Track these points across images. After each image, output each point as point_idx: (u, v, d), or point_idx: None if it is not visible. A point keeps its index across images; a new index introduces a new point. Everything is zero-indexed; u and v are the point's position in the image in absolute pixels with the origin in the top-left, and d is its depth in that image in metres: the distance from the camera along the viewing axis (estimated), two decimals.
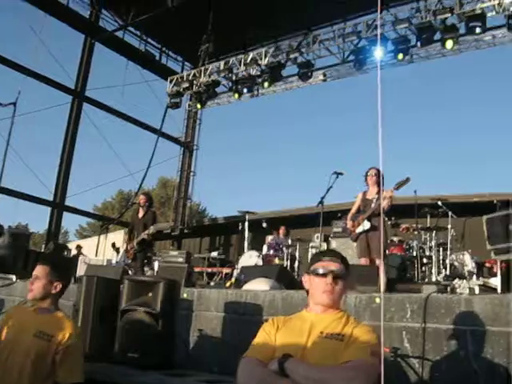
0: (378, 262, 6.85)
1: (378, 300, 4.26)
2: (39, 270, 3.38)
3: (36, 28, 15.56)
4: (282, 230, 11.87)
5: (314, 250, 11.28)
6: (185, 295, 5.92)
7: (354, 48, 13.63)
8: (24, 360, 3.12)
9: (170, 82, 16.35)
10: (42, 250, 14.87)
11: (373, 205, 7.10)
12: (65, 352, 3.20)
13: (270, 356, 2.48)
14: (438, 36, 12.17)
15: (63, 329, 3.25)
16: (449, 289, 5.48)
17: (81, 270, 9.58)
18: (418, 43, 12.37)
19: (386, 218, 7.54)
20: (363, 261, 7.13)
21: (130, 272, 9.13)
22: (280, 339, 2.56)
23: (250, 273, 7.34)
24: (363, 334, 2.44)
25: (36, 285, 3.35)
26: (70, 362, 3.21)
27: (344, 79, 15.38)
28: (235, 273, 10.29)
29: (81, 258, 11.62)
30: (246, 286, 6.35)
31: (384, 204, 6.93)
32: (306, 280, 2.69)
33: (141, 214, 9.57)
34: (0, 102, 13.18)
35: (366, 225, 7.10)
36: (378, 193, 7.11)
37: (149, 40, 18.75)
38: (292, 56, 14.11)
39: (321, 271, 2.60)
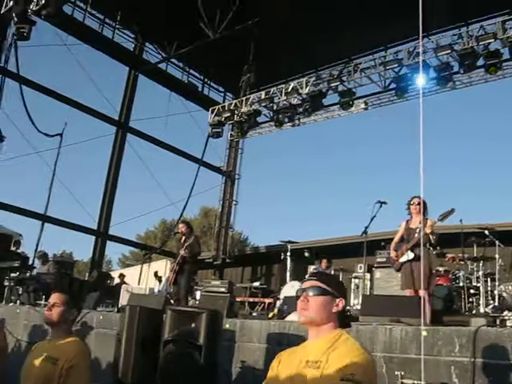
0: (421, 292, 6.70)
1: (425, 333, 4.14)
2: (58, 298, 3.57)
3: (82, 61, 16.04)
4: (323, 262, 11.72)
5: (357, 281, 11.11)
6: (227, 326, 5.89)
7: (395, 75, 13.56)
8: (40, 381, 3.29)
9: (212, 112, 16.54)
10: (86, 278, 15.09)
11: (416, 234, 6.96)
12: (68, 373, 3.31)
13: None
14: (480, 62, 12.03)
15: (68, 351, 3.38)
16: (498, 321, 5.31)
17: (123, 299, 9.63)
18: (461, 70, 12.25)
19: (431, 248, 7.37)
20: (408, 292, 6.98)
21: (172, 301, 9.13)
22: (279, 373, 2.52)
23: (293, 303, 7.24)
24: (339, 358, 2.28)
25: (54, 310, 3.53)
26: (77, 379, 3.32)
27: (385, 107, 15.30)
28: (278, 303, 10.18)
29: (124, 286, 11.70)
30: (289, 317, 6.28)
31: (430, 237, 6.79)
32: None
33: (183, 242, 9.62)
34: (47, 133, 13.55)
35: (410, 255, 6.96)
36: (422, 222, 6.98)
37: (191, 71, 19.11)
38: (333, 84, 14.11)
39: (298, 293, 2.57)
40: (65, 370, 3.30)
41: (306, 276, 2.67)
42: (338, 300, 2.52)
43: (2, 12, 12.39)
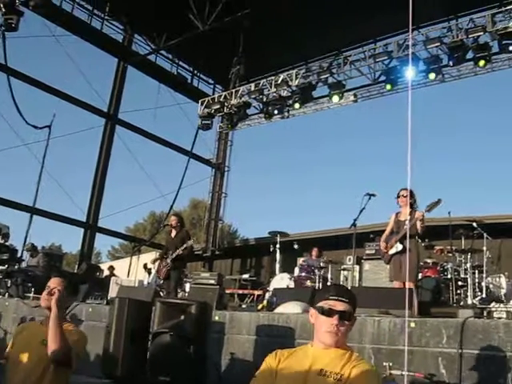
0: (407, 284, 6.74)
1: (413, 324, 4.17)
2: (58, 282, 3.50)
3: (70, 52, 15.92)
4: (314, 252, 11.75)
5: (345, 273, 11.15)
6: (217, 318, 5.90)
7: (384, 68, 13.58)
8: (32, 366, 3.26)
9: (202, 104, 16.48)
10: (75, 271, 15.06)
11: (405, 226, 7.00)
12: None
13: None
14: (470, 55, 12.06)
15: (68, 337, 3.31)
16: (485, 313, 5.35)
17: (113, 291, 9.62)
18: (450, 62, 12.27)
19: (420, 240, 7.41)
20: (396, 284, 7.02)
21: (161, 293, 9.13)
22: (280, 373, 2.50)
23: (282, 295, 7.29)
24: (361, 376, 2.35)
25: (56, 295, 3.44)
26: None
27: (375, 99, 15.33)
28: (267, 295, 10.21)
29: (113, 278, 11.68)
30: (279, 309, 6.30)
31: (418, 226, 6.84)
32: (312, 314, 2.59)
33: (173, 235, 9.61)
34: (35, 125, 13.45)
35: (399, 247, 7.00)
36: (411, 214, 7.02)
37: (180, 63, 19.01)
38: (323, 77, 14.11)
39: (327, 311, 2.51)
40: None
41: (331, 294, 2.55)
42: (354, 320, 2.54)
43: None
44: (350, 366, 2.40)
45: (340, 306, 2.50)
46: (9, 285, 9.70)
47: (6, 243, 12.34)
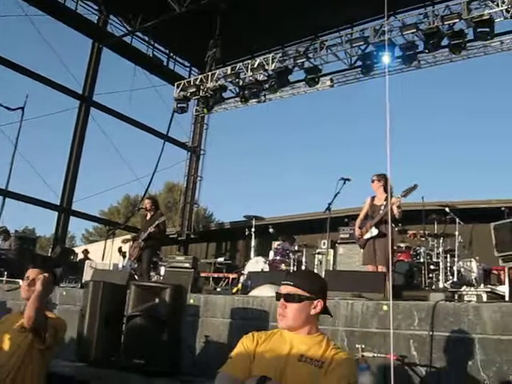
0: (380, 268, 6.82)
1: (385, 308, 4.23)
2: (36, 273, 3.55)
3: (44, 33, 15.64)
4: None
5: (320, 256, 11.25)
6: (191, 301, 5.92)
7: (361, 53, 13.60)
8: (11, 352, 3.33)
9: (177, 87, 16.37)
10: (49, 254, 14.92)
11: (381, 211, 7.07)
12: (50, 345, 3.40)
13: (247, 372, 2.47)
14: (445, 42, 12.14)
15: (51, 324, 3.40)
16: (456, 296, 5.45)
17: (87, 275, 9.58)
18: (426, 49, 12.34)
19: (394, 225, 7.50)
20: (370, 267, 7.11)
21: (136, 277, 9.11)
22: (258, 356, 2.53)
23: (257, 279, 7.33)
24: (342, 364, 2.41)
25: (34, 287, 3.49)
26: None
27: (351, 85, 15.38)
28: (242, 278, 10.26)
29: (87, 262, 11.62)
30: (253, 292, 6.33)
31: (395, 212, 6.91)
32: None
33: (148, 218, 9.59)
34: (8, 107, 13.19)
35: (374, 231, 7.08)
36: (386, 199, 7.09)
37: (156, 45, 18.78)
38: (299, 61, 14.08)
39: (276, 296, 2.62)
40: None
41: (282, 281, 2.65)
42: (316, 302, 2.55)
43: None
44: (331, 353, 2.45)
45: (284, 289, 2.58)
46: None
47: None
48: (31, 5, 14.89)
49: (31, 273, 3.56)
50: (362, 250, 7.58)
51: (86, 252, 15.00)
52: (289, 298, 2.54)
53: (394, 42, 12.67)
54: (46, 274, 3.47)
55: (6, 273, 9.46)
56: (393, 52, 12.72)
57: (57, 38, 28.79)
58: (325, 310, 2.63)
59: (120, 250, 11.76)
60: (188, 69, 20.19)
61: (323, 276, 5.61)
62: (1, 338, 3.39)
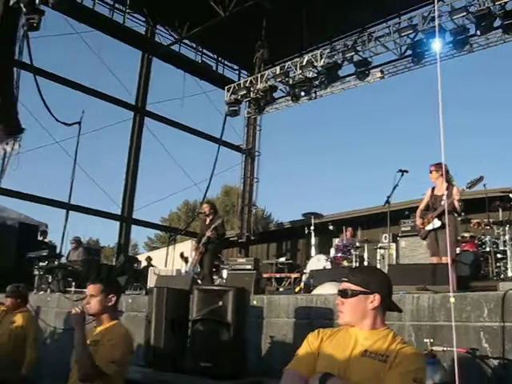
0: (444, 259, 6.66)
1: (452, 299, 4.12)
2: (93, 289, 3.62)
3: (94, 48, 16.04)
4: (349, 232, 11.71)
5: (382, 251, 11.08)
6: (254, 302, 5.92)
7: (410, 42, 13.35)
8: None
9: (228, 90, 16.49)
10: (114, 263, 15.28)
11: (442, 202, 6.90)
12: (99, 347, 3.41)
13: (312, 369, 2.45)
14: (498, 23, 11.78)
15: (109, 333, 3.48)
16: None
17: (151, 281, 9.74)
18: (478, 32, 12.00)
19: (456, 214, 7.30)
20: (435, 259, 6.95)
21: (199, 281, 9.21)
22: (323, 353, 2.51)
23: (319, 277, 7.29)
24: (407, 358, 2.35)
25: (92, 302, 3.58)
26: (106, 352, 3.38)
27: (402, 75, 15.12)
28: (304, 277, 10.22)
29: (151, 269, 11.83)
30: (316, 291, 6.30)
31: (456, 205, 6.74)
32: None
33: (208, 222, 9.68)
34: (65, 122, 13.62)
35: (436, 223, 6.93)
36: (448, 189, 6.92)
37: (204, 51, 18.99)
38: (348, 55, 13.95)
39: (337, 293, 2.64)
40: (99, 346, 3.40)
41: (342, 278, 2.67)
42: (372, 296, 2.51)
43: (10, 4, 12.40)
44: (396, 347, 2.40)
45: (341, 286, 2.60)
46: (50, 280, 9.90)
47: (45, 240, 12.60)
48: (80, 22, 15.31)
49: (89, 289, 3.64)
50: (424, 242, 7.42)
51: (149, 259, 15.27)
52: (343, 293, 2.55)
53: (444, 28, 12.38)
54: (77, 310, 3.48)
55: (73, 283, 9.75)
56: (443, 38, 12.42)
57: (107, 51, 29.48)
58: (390, 305, 2.59)
59: (182, 255, 11.92)
60: (237, 72, 20.31)
61: (386, 271, 5.52)
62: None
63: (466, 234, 9.80)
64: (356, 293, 2.51)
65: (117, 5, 16.53)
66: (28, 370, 5.21)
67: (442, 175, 7.06)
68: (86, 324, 3.52)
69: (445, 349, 4.09)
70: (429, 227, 7.05)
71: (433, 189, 7.30)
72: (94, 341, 3.44)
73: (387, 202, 7.41)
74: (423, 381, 2.29)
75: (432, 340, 4.17)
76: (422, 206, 7.38)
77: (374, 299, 2.50)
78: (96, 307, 3.56)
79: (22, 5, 11.94)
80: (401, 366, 2.31)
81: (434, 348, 4.10)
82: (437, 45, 12.45)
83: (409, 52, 13.83)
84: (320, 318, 5.20)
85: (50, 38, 13.89)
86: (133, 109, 17.50)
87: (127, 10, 16.71)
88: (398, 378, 2.28)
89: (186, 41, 18.12)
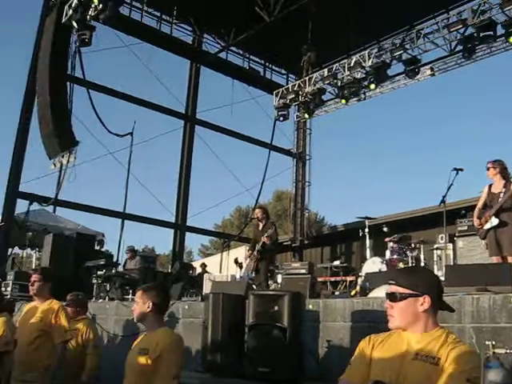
0: (510, 259, 6.47)
1: None
2: (140, 294, 3.68)
3: (144, 60, 16.37)
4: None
5: (439, 252, 10.85)
6: (310, 306, 5.89)
7: (460, 37, 13.06)
8: (133, 378, 3.50)
9: (276, 95, 16.53)
10: (169, 271, 15.49)
11: (500, 199, 6.72)
12: (156, 362, 3.41)
13: (366, 377, 2.42)
14: None
15: (157, 341, 3.48)
16: None
17: (207, 287, 9.80)
18: None
19: None
20: (495, 259, 6.76)
21: (254, 286, 9.23)
22: (375, 360, 2.47)
23: (375, 279, 7.19)
24: (459, 358, 2.26)
25: (135, 308, 3.66)
26: (163, 371, 3.40)
27: (453, 71, 14.81)
28: (359, 280, 10.10)
29: (206, 275, 11.91)
30: (372, 294, 6.22)
31: None
32: None
33: (260, 228, 9.71)
34: (118, 134, 13.92)
35: (494, 221, 6.73)
36: (505, 186, 6.73)
37: (251, 57, 19.10)
38: (396, 54, 13.77)
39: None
40: (154, 358, 3.39)
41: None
42: (421, 298, 2.43)
43: (63, 21, 12.79)
44: (448, 348, 2.32)
45: (389, 289, 2.52)
46: (108, 288, 10.11)
47: (102, 249, 12.89)
48: (129, 34, 15.65)
49: (136, 295, 3.71)
50: (483, 242, 7.23)
51: (203, 266, 15.40)
52: (391, 297, 2.48)
53: (495, 21, 12.05)
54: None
55: (131, 291, 9.92)
56: (494, 31, 12.10)
57: (156, 62, 29.96)
58: (441, 305, 2.52)
59: (236, 261, 11.97)
60: (285, 76, 20.34)
61: (443, 272, 5.41)
62: (129, 361, 3.58)
63: None
64: (405, 296, 2.44)
65: (164, 16, 16.86)
66: (88, 377, 5.32)
67: (499, 172, 6.87)
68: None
69: (508, 351, 3.97)
70: (487, 226, 6.86)
71: (490, 186, 7.11)
72: (143, 349, 3.49)
73: (442, 201, 7.28)
74: (477, 381, 2.19)
75: (494, 342, 4.05)
76: (479, 204, 7.19)
77: (424, 301, 2.43)
78: (136, 313, 3.63)
79: (73, 22, 12.30)
80: (452, 366, 2.24)
81: (497, 350, 3.98)
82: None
83: (459, 48, 13.53)
84: (377, 321, 5.13)
85: (100, 52, 14.25)
86: (183, 117, 17.77)
87: (174, 21, 17.03)
88: (451, 379, 2.21)
89: (233, 48, 18.30)
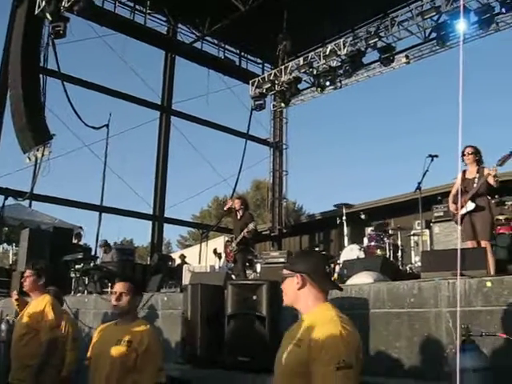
0: (483, 243, 6.54)
1: (489, 284, 4.05)
2: (123, 286, 3.61)
3: (118, 51, 16.21)
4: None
5: (415, 238, 10.96)
6: None
7: (434, 24, 13.14)
8: (111, 367, 3.39)
9: (252, 84, 16.49)
10: (148, 263, 15.43)
11: (475, 185, 6.79)
12: (143, 356, 3.40)
13: None
14: None
15: (142, 334, 3.46)
16: None
17: (186, 279, 9.79)
18: (503, 9, 11.76)
19: (490, 197, 7.17)
20: (470, 244, 6.83)
21: (233, 276, 9.24)
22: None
23: (353, 267, 7.23)
24: (323, 341, 2.25)
25: (123, 300, 3.58)
26: (150, 365, 3.41)
27: (428, 59, 14.89)
28: (337, 268, 10.16)
29: (185, 266, 11.88)
30: (350, 281, 6.26)
31: (492, 182, 6.61)
32: None
33: (238, 217, 9.72)
34: (93, 126, 13.78)
35: (470, 206, 6.79)
36: (479, 171, 6.80)
37: (227, 47, 19.00)
38: (371, 42, 13.81)
39: None
40: (140, 352, 3.39)
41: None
42: (295, 277, 2.54)
43: (36, 13, 12.60)
44: (312, 327, 2.36)
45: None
46: (86, 282, 10.03)
47: (80, 243, 12.77)
48: (103, 25, 15.44)
49: (116, 286, 3.63)
50: (459, 227, 7.31)
51: (182, 257, 15.37)
52: (281, 278, 2.65)
53: (469, 8, 12.14)
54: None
55: (109, 284, 9.86)
56: (468, 18, 12.19)
57: (131, 53, 29.71)
58: (326, 284, 2.60)
59: (215, 251, 11.98)
60: (261, 65, 20.28)
61: (420, 257, 5.45)
62: (99, 353, 3.54)
63: (501, 217, 9.62)
64: (286, 276, 2.59)
65: (137, 6, 16.65)
66: (69, 372, 5.28)
67: (475, 158, 6.93)
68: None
69: (483, 334, 4.03)
70: (462, 211, 6.93)
71: (464, 172, 7.17)
72: (124, 340, 3.44)
73: (418, 188, 7.33)
74: (347, 362, 2.17)
75: (469, 325, 4.11)
76: (454, 190, 7.24)
77: (299, 280, 2.52)
78: (125, 306, 3.57)
79: (47, 14, 12.12)
80: (320, 352, 2.23)
81: (472, 334, 4.04)
82: (461, 26, 12.20)
83: (433, 35, 13.61)
84: (355, 308, 5.17)
85: (74, 44, 14.06)
86: (159, 108, 17.65)
87: (148, 11, 16.82)
88: (320, 368, 2.21)
89: (208, 38, 18.17)
